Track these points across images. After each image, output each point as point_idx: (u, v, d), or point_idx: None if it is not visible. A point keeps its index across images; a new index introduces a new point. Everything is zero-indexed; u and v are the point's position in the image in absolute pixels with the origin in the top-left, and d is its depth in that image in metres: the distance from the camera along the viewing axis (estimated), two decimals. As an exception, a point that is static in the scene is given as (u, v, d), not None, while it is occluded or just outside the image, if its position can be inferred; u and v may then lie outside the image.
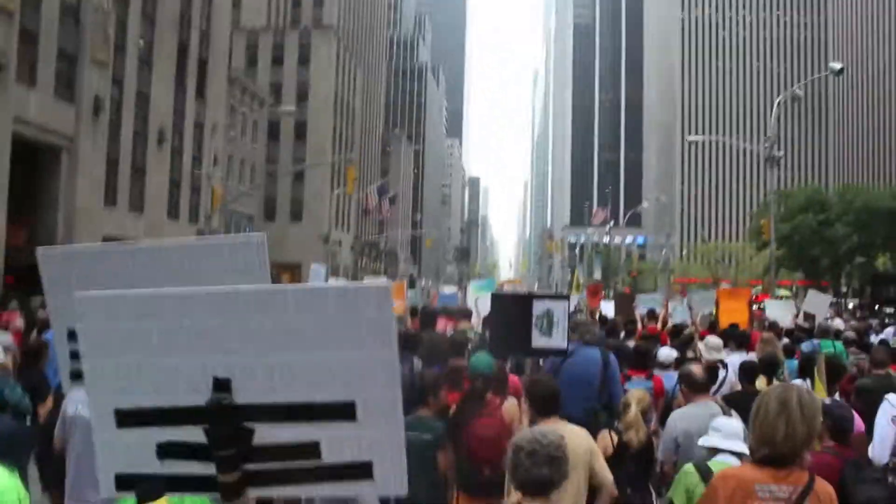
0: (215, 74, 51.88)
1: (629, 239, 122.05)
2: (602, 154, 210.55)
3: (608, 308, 20.49)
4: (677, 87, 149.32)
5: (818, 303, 17.86)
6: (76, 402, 4.92)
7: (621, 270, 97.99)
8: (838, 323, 22.60)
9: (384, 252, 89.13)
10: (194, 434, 2.13)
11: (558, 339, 7.26)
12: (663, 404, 7.82)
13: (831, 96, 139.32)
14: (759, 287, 55.87)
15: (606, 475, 4.92)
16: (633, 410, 5.81)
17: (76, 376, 2.96)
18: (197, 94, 49.12)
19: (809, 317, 16.74)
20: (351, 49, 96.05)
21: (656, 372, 8.69)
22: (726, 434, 4.85)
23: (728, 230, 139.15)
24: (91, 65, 35.75)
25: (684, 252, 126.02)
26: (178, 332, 2.11)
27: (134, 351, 2.13)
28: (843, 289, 61.74)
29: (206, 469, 2.15)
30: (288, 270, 59.09)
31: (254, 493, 2.21)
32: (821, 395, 5.95)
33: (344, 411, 2.11)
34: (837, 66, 35.20)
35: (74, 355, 2.87)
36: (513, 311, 7.34)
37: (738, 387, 7.91)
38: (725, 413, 5.75)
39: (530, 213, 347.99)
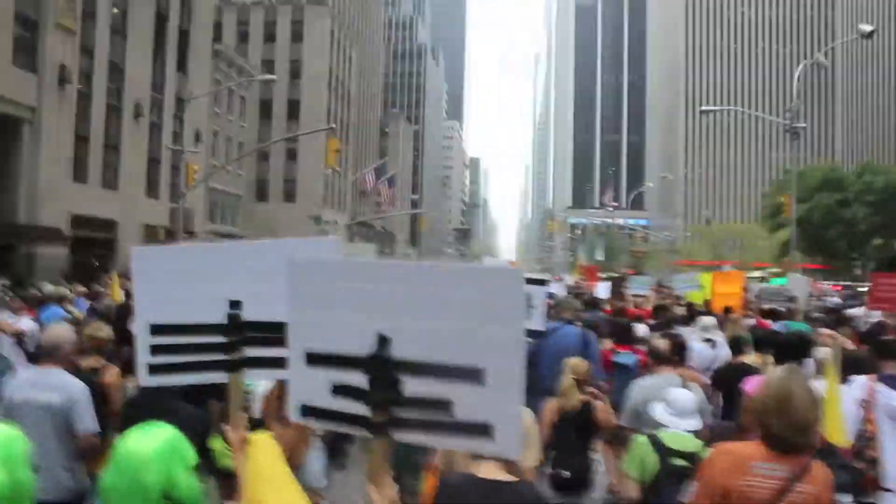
0: (198, 47, 49.06)
1: (632, 221, 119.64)
2: (604, 136, 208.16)
3: (604, 290, 20.90)
4: (681, 66, 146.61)
5: (799, 285, 18.60)
6: (25, 385, 5.18)
7: (624, 252, 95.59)
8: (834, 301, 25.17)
9: (380, 233, 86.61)
10: (359, 379, 2.53)
11: (536, 322, 7.88)
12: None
13: (839, 73, 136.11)
14: (772, 270, 53.27)
15: (526, 459, 4.49)
16: (567, 379, 5.91)
17: (154, 370, 3.31)
18: (178, 67, 46.38)
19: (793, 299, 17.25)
20: (346, 27, 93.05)
21: (640, 346, 9.01)
22: (679, 411, 4.93)
23: (732, 211, 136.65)
24: (55, 30, 33.06)
25: (688, 234, 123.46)
26: (359, 294, 2.50)
27: (326, 306, 2.57)
28: (858, 272, 59.10)
29: (364, 410, 2.54)
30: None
31: (397, 435, 2.54)
32: (833, 381, 5.57)
33: (475, 375, 2.39)
34: (868, 28, 32.39)
35: (156, 349, 3.29)
36: None
37: None
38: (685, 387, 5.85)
39: (532, 196, 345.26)
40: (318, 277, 2.62)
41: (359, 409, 2.53)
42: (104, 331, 6.51)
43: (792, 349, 6.68)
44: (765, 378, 3.45)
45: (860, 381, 5.75)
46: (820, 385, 5.66)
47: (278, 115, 76.23)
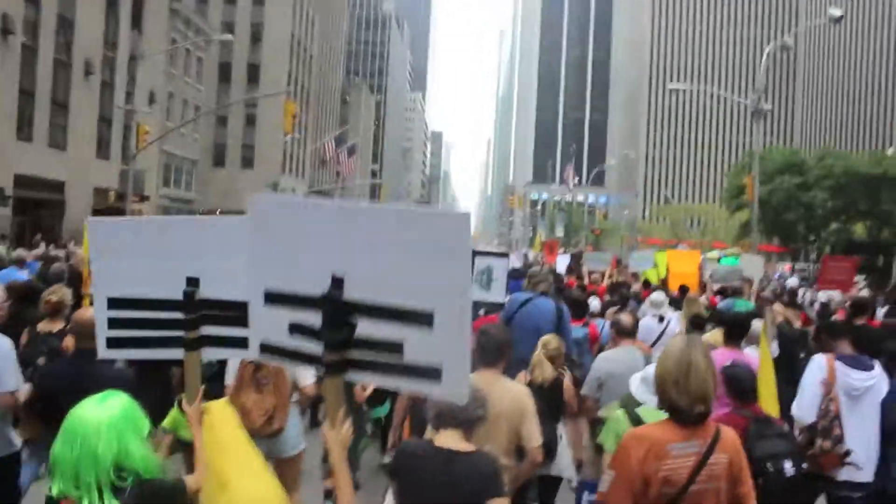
0: (154, 3, 47.29)
1: (592, 198, 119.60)
2: (567, 112, 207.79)
3: (563, 264, 21.30)
4: (646, 44, 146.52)
5: (753, 265, 18.87)
6: None
7: (584, 229, 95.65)
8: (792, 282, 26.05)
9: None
10: (314, 319, 2.51)
11: (496, 294, 8.05)
12: (598, 348, 8.42)
13: (801, 58, 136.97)
14: (728, 250, 53.38)
15: (532, 440, 4.59)
16: (538, 352, 6.04)
17: (111, 344, 3.26)
18: (133, 24, 44.58)
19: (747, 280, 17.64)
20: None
21: (592, 320, 9.44)
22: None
23: (692, 192, 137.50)
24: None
25: (647, 213, 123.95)
26: (316, 234, 2.47)
27: (284, 245, 2.52)
28: (814, 255, 59.52)
29: (318, 349, 2.55)
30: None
31: (350, 376, 2.57)
32: (766, 353, 5.62)
33: (424, 318, 2.38)
34: (837, 12, 31.94)
35: (113, 323, 3.22)
36: None
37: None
38: (647, 360, 6.09)
39: (493, 171, 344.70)
40: (276, 217, 2.60)
41: (314, 348, 2.55)
42: (57, 294, 6.43)
43: (741, 326, 6.93)
44: (664, 350, 3.42)
45: (819, 361, 5.73)
46: (755, 355, 6.08)
47: (237, 79, 74.35)
